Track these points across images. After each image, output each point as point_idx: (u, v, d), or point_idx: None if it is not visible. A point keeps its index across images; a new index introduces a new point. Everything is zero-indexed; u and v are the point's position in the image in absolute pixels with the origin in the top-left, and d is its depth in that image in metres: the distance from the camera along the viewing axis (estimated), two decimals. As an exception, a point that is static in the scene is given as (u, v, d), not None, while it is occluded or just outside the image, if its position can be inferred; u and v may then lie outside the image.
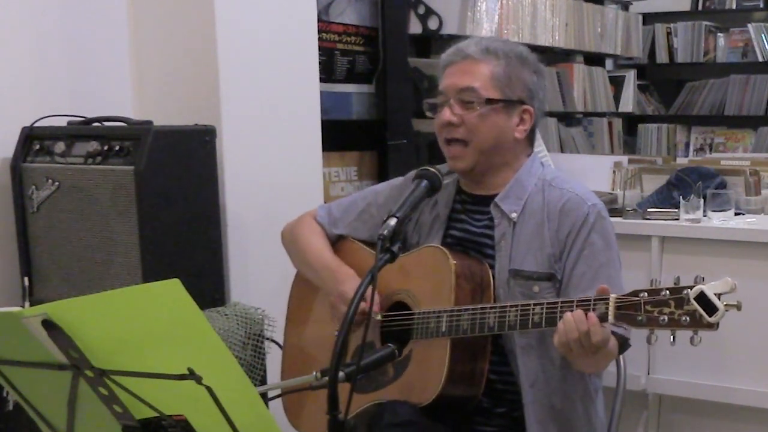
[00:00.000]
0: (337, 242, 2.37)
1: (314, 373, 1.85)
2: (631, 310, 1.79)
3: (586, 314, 1.84)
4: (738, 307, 1.70)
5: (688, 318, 1.73)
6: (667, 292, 1.76)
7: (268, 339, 2.72)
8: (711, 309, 1.70)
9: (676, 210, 2.93)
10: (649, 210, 3.01)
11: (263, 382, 2.67)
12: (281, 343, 2.49)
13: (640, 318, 1.78)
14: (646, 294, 1.78)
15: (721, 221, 2.82)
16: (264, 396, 2.16)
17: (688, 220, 2.84)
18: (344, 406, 1.66)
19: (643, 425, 3.02)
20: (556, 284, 2.09)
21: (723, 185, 3.03)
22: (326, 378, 1.74)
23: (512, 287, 2.09)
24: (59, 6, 2.84)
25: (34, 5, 2.78)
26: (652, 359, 2.86)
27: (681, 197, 2.94)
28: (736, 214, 2.92)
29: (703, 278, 1.74)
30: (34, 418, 1.59)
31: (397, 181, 2.37)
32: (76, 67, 2.88)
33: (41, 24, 2.80)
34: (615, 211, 3.07)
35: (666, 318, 1.75)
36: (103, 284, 2.56)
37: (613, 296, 1.83)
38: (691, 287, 1.73)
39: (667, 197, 3.09)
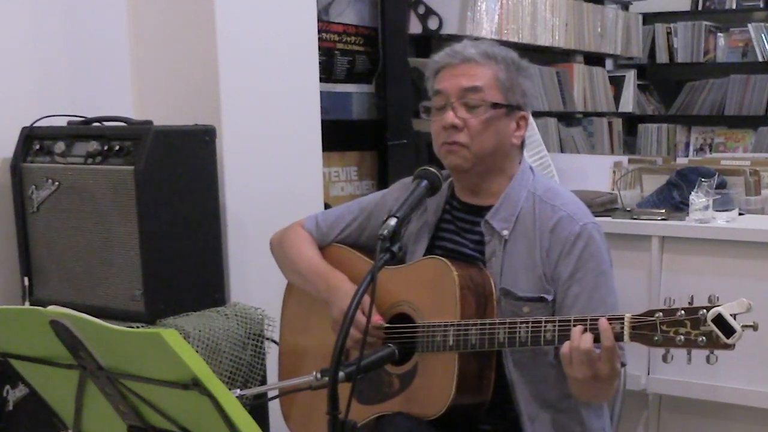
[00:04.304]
0: (327, 248, 2.35)
1: (314, 373, 1.84)
2: (646, 330, 1.79)
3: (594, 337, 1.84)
4: (755, 327, 1.69)
5: (704, 338, 1.72)
6: (683, 312, 1.75)
7: (268, 339, 2.72)
8: (728, 330, 1.70)
9: (662, 210, 2.93)
10: (636, 209, 3.01)
11: (263, 382, 2.67)
12: (280, 343, 2.49)
13: (656, 338, 1.77)
14: (661, 314, 1.77)
15: (725, 221, 2.81)
16: (264, 396, 2.16)
17: (697, 220, 2.82)
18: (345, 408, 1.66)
19: (643, 425, 3.02)
20: (548, 305, 2.06)
21: (723, 185, 3.03)
22: (326, 378, 1.74)
23: (503, 306, 2.07)
24: (59, 6, 2.84)
25: (35, 5, 2.78)
26: (651, 359, 2.86)
27: (680, 196, 2.94)
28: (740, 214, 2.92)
29: (718, 297, 1.73)
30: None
31: (383, 191, 2.36)
32: (76, 67, 2.88)
33: (41, 24, 2.80)
34: (615, 211, 3.08)
35: (682, 338, 1.74)
36: (104, 284, 2.56)
37: (628, 315, 1.82)
38: (707, 308, 1.72)
39: (667, 197, 3.09)
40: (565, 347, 1.86)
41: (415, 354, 2.09)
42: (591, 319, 1.86)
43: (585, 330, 1.85)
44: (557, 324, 1.91)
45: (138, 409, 1.50)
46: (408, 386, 2.09)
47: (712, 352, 1.74)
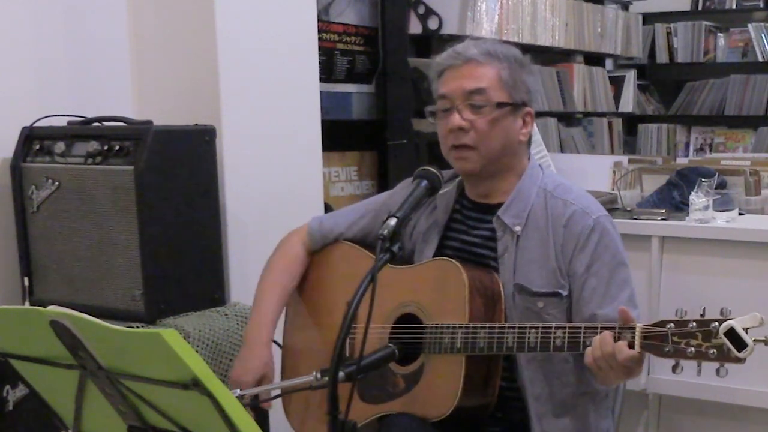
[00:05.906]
0: (335, 246, 2.35)
1: (314, 373, 1.84)
2: (657, 340, 1.79)
3: (615, 338, 1.84)
4: (766, 342, 1.69)
5: (715, 351, 1.73)
6: (695, 324, 1.75)
7: (268, 339, 2.72)
8: (740, 344, 1.70)
9: (663, 210, 2.93)
10: (636, 209, 3.01)
11: (263, 382, 2.67)
12: (281, 343, 2.49)
13: (667, 349, 1.78)
14: (672, 325, 1.77)
15: (725, 221, 2.81)
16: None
17: (697, 220, 2.82)
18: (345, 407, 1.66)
19: (643, 425, 3.02)
20: (562, 300, 2.07)
21: (723, 185, 3.03)
22: (326, 378, 1.74)
23: (517, 301, 2.07)
24: (59, 6, 2.84)
25: (35, 5, 2.78)
26: (652, 359, 2.85)
27: (680, 196, 2.94)
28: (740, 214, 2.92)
29: (730, 311, 1.73)
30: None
31: (390, 192, 2.35)
32: (76, 67, 2.88)
33: (41, 24, 2.80)
34: (615, 211, 3.07)
35: (693, 350, 1.75)
36: (104, 284, 2.56)
37: (639, 326, 1.83)
38: (719, 321, 1.72)
39: (667, 197, 3.09)
40: (588, 357, 1.87)
41: (422, 355, 2.08)
42: (602, 328, 1.88)
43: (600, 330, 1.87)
44: (567, 331, 1.92)
45: (138, 409, 1.50)
46: (413, 387, 2.09)
47: (723, 365, 1.75)
